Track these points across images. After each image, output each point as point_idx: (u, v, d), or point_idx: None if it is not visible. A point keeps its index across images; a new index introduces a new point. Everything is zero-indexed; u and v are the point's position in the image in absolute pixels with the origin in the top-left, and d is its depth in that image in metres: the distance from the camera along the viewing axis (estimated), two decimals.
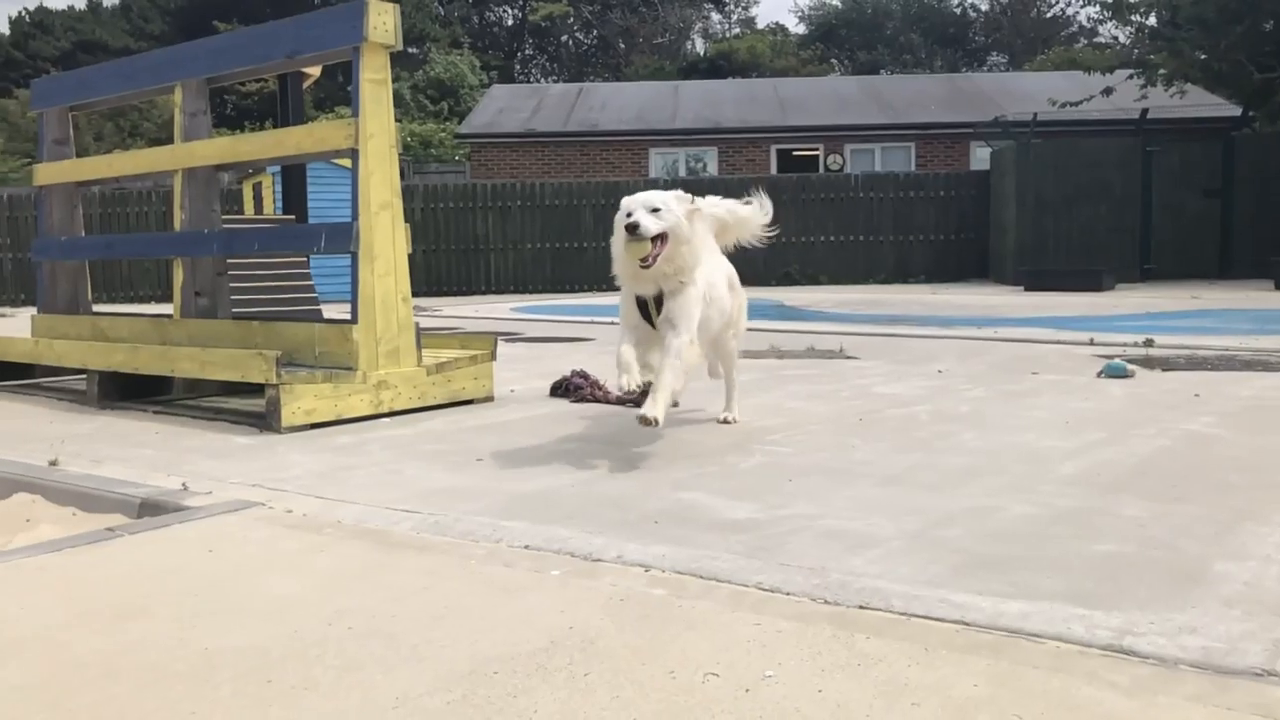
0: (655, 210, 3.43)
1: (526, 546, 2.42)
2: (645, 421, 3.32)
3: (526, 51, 49.37)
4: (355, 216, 4.47)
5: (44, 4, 48.29)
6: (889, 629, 1.85)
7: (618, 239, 3.49)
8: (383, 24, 4.52)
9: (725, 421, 4.15)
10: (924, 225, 18.48)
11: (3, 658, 1.81)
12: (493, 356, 5.00)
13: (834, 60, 47.13)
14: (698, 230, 3.58)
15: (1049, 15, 47.63)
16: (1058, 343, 7.21)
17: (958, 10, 48.38)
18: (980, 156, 20.05)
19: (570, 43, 48.86)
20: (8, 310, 15.96)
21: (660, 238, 3.41)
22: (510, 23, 49.04)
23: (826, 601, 2.00)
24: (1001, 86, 23.83)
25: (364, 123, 4.49)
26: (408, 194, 14.09)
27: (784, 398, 4.85)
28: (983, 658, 1.72)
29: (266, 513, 2.81)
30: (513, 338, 8.70)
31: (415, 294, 5.14)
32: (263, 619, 1.97)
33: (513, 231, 18.05)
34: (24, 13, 47.20)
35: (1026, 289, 14.72)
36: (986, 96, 22.37)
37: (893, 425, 4.05)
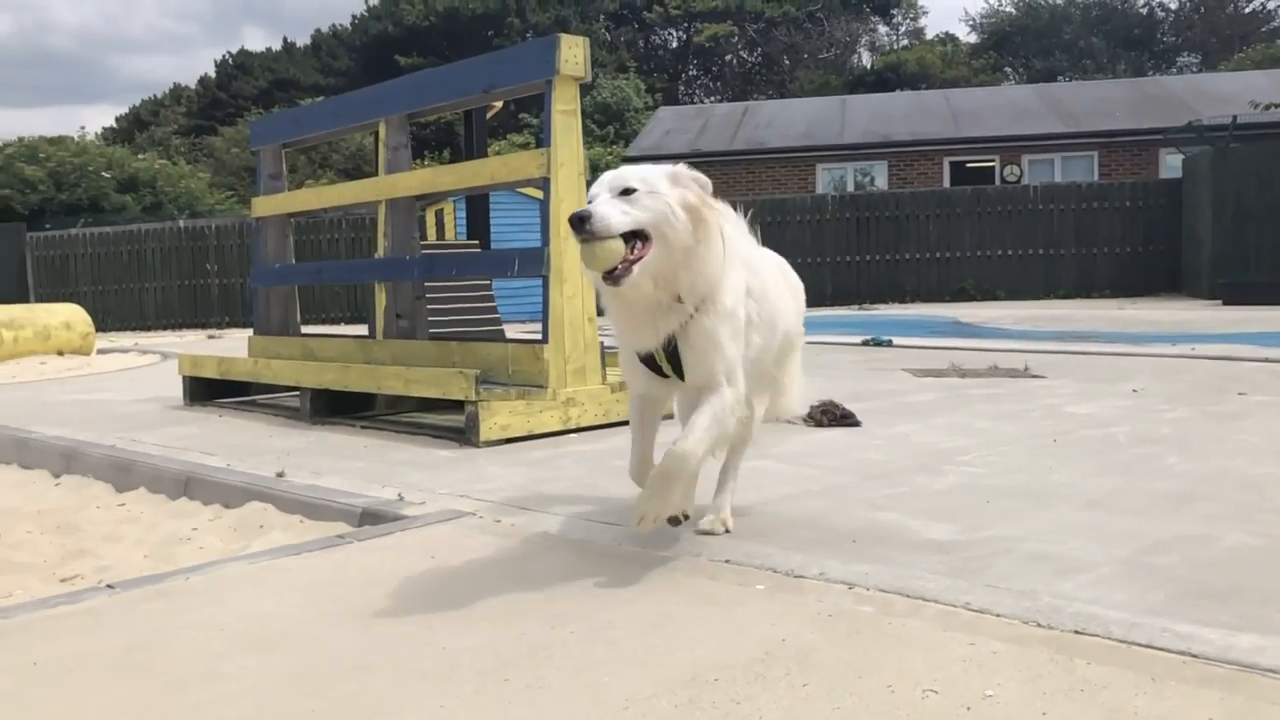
0: (627, 193, 2.28)
1: (727, 561, 2.49)
2: (674, 523, 2.62)
3: (690, 72, 49.89)
4: (546, 242, 4.68)
5: (245, 47, 52.22)
6: (1110, 656, 1.82)
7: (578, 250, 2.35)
8: (573, 57, 4.73)
9: (708, 532, 2.75)
10: (1109, 237, 17.63)
11: (269, 650, 2.02)
12: None
13: (1008, 69, 45.54)
14: (710, 222, 2.34)
15: (1247, 10, 44.56)
16: (1266, 360, 6.75)
17: (1143, 10, 45.91)
18: (1171, 164, 18.98)
19: (734, 61, 49.07)
20: (215, 332, 17.32)
21: (638, 236, 2.26)
22: (674, 45, 49.69)
23: (1040, 625, 1.98)
24: (1194, 88, 22.46)
25: (555, 152, 4.70)
26: None
27: (971, 417, 4.75)
28: (1215, 690, 1.67)
29: (478, 522, 2.99)
30: None
31: None
32: (490, 621, 2.11)
33: None
34: (227, 56, 51.22)
35: (1225, 303, 13.82)
36: (1177, 100, 21.14)
37: (1089, 447, 3.91)
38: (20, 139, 28.85)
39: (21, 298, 18.99)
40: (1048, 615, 2.02)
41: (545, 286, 4.68)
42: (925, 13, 62.42)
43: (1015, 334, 10.48)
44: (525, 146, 35.47)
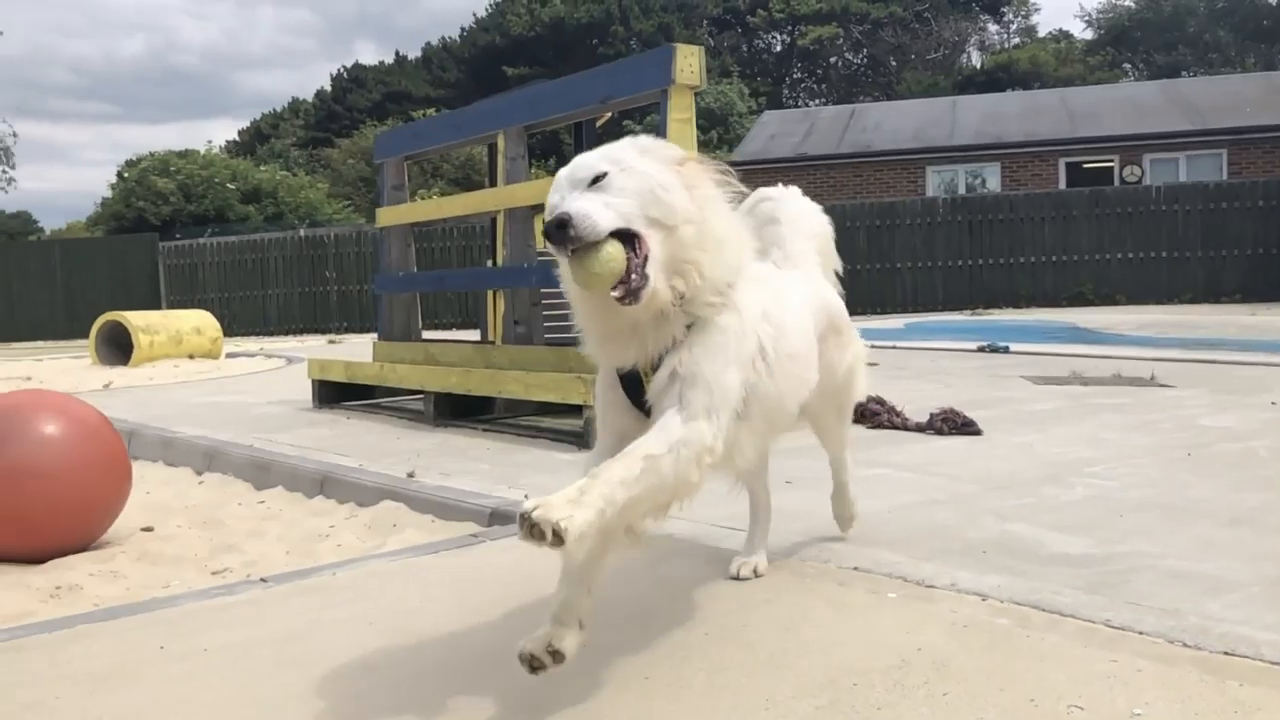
0: (597, 180, 1.77)
1: (856, 568, 2.49)
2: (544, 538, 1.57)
3: (795, 76, 49.58)
4: None
5: (359, 61, 53.98)
6: (1263, 678, 1.77)
7: (563, 267, 1.82)
8: (689, 66, 4.78)
9: (738, 577, 2.45)
10: (1239, 239, 16.87)
11: (418, 644, 2.12)
12: None
13: (1127, 65, 43.94)
14: (713, 201, 1.88)
15: None
16: None
17: (1273, 1, 43.72)
18: None
19: (839, 64, 48.55)
20: (334, 337, 17.94)
21: (629, 236, 1.75)
22: (778, 48, 49.44)
23: (1186, 644, 1.93)
24: None
25: None
26: None
27: (1097, 428, 4.62)
28: None
29: None
30: None
31: None
32: (626, 620, 2.17)
33: None
34: (342, 70, 53.05)
35: None
36: None
37: (1228, 461, 3.77)
38: (151, 153, 30.44)
39: (154, 304, 20.03)
40: (1194, 635, 1.97)
41: None
42: (1038, 9, 60.61)
43: (1138, 340, 10.12)
44: None
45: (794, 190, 2.75)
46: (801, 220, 2.63)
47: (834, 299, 2.54)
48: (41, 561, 3.23)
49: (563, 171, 1.83)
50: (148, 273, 21.31)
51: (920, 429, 4.66)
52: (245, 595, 2.51)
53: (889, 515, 3.07)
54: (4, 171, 24.56)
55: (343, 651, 2.07)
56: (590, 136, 9.98)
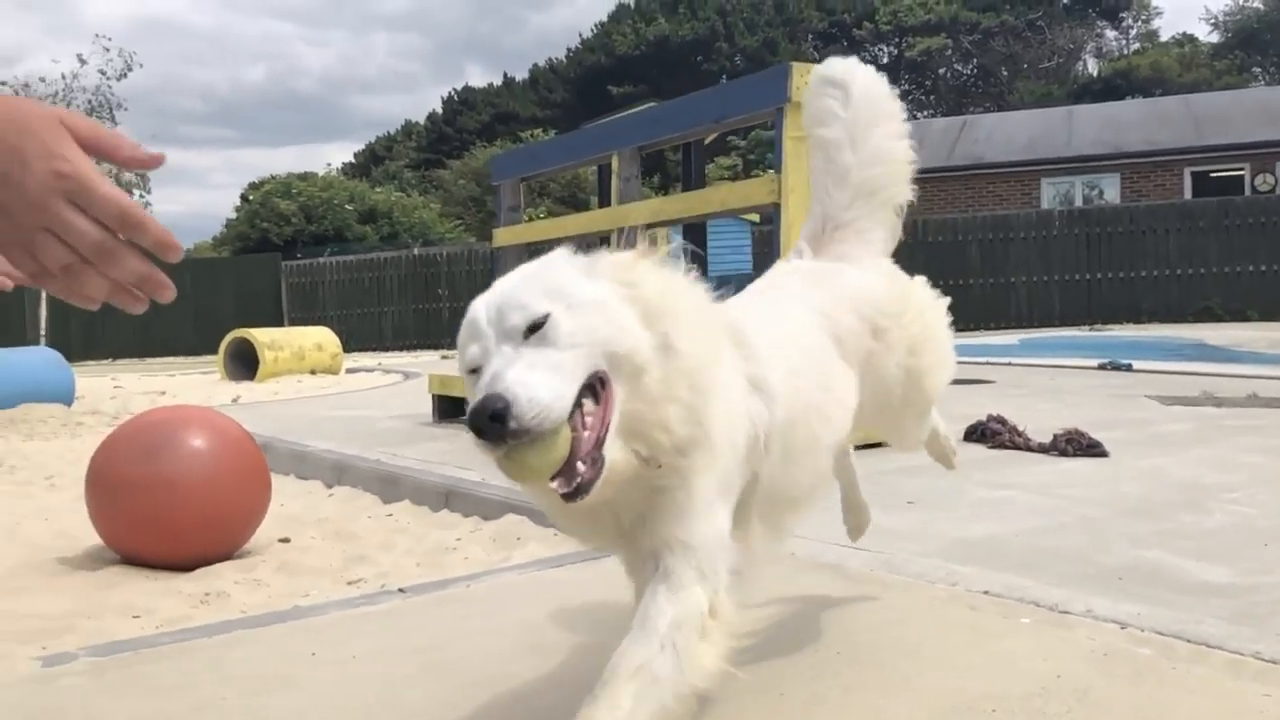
0: (537, 327, 1.32)
1: (985, 592, 2.46)
2: None
3: (902, 87, 48.79)
4: None
5: (468, 84, 55.39)
6: None
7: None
8: (804, 84, 4.77)
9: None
10: None
11: (552, 655, 2.18)
12: None
13: (1256, 69, 42.00)
14: (680, 319, 1.41)
15: None
16: None
17: None
18: None
19: (948, 75, 47.72)
20: (447, 352, 18.42)
21: (582, 405, 1.32)
22: (884, 60, 48.84)
23: None
24: None
25: (786, 178, 4.77)
26: None
27: (1233, 451, 4.44)
28: None
29: None
30: None
31: None
32: (754, 636, 2.19)
33: None
34: (453, 92, 54.53)
35: None
36: None
37: None
38: (273, 176, 31.77)
39: (277, 321, 20.88)
40: None
41: None
42: (1159, 13, 58.49)
43: (1275, 359, 9.65)
44: (733, 169, 35.76)
45: (865, 76, 2.06)
46: (861, 146, 2.03)
47: (870, 290, 1.94)
48: (190, 569, 3.42)
49: (481, 306, 1.37)
50: (271, 291, 22.25)
51: (1043, 450, 4.55)
52: (385, 605, 2.62)
53: (1016, 538, 3.01)
54: (142, 196, 26.06)
55: (480, 662, 2.15)
56: (699, 153, 10.07)
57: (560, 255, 1.45)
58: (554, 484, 1.28)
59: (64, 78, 21.78)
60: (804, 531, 3.17)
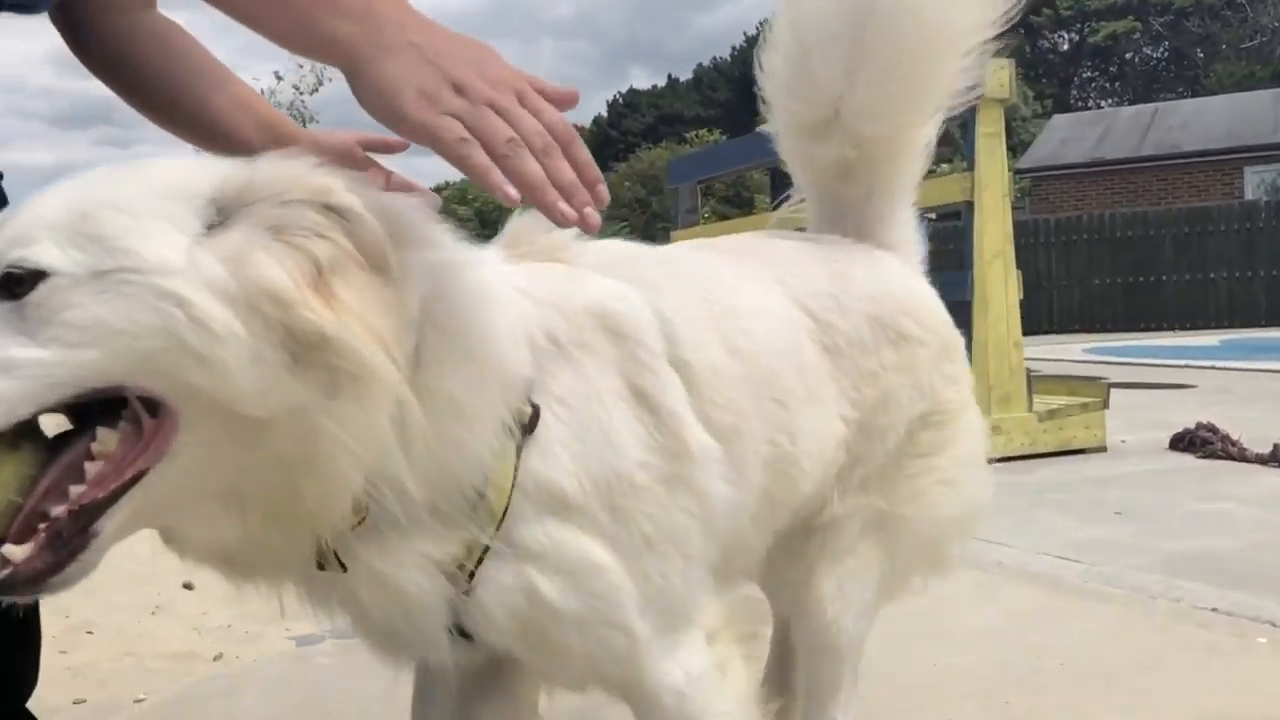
0: (15, 286, 0.76)
1: (1214, 609, 2.35)
2: None
3: (1085, 75, 46.54)
4: (969, 266, 4.64)
5: (633, 86, 56.20)
6: None
7: None
8: (999, 80, 4.66)
9: None
10: None
11: None
12: (1105, 404, 4.84)
13: None
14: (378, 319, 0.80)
15: None
16: None
17: None
18: None
19: (1135, 60, 45.10)
20: None
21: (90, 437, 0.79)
22: (1065, 48, 46.59)
23: None
24: None
25: (979, 175, 4.66)
26: None
27: None
28: None
29: None
30: (1095, 382, 8.26)
31: None
32: (970, 645, 2.17)
33: (1078, 267, 17.06)
34: (617, 95, 55.36)
35: None
36: None
37: None
38: (448, 182, 33.09)
39: None
40: None
41: (969, 311, 4.64)
42: None
43: None
44: None
45: None
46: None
47: (899, 292, 1.37)
48: None
49: None
50: None
51: (1261, 461, 4.27)
52: None
53: (1241, 554, 2.85)
54: None
55: None
56: None
57: (185, 165, 0.88)
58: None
59: (263, 93, 23.30)
60: (1000, 537, 3.11)
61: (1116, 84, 45.80)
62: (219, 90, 1.20)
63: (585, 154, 0.89)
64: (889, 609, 1.41)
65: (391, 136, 1.08)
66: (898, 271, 1.41)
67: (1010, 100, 4.74)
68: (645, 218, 34.43)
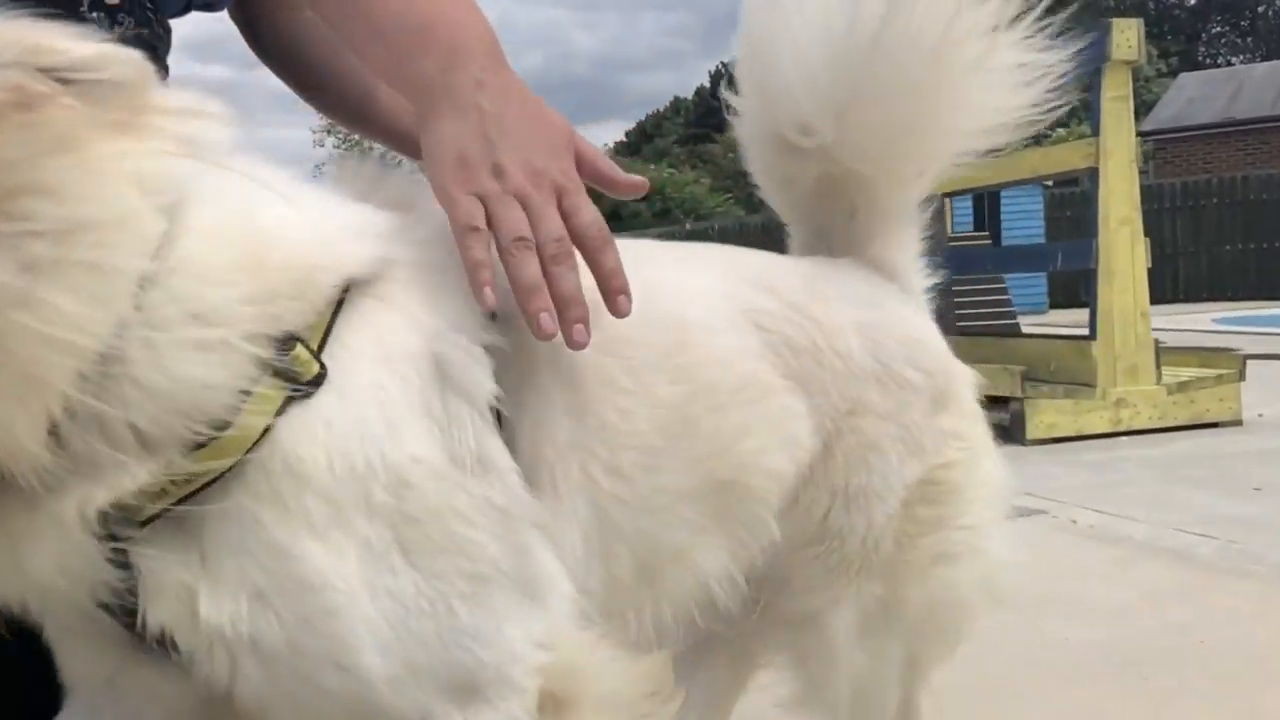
0: None
1: None
2: None
3: (1213, 30, 44.17)
4: (1095, 234, 4.51)
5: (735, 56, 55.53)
6: None
7: None
8: (1126, 41, 4.49)
9: None
10: None
11: None
12: (1241, 376, 4.65)
13: None
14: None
15: None
16: None
17: None
18: None
19: (1269, 13, 42.54)
20: None
21: None
22: (1191, 2, 44.28)
23: None
24: None
25: (1104, 140, 4.51)
26: None
27: None
28: None
29: (1052, 521, 3.00)
30: (1229, 353, 7.91)
31: None
32: (1105, 620, 2.14)
33: (1207, 233, 16.29)
34: (720, 66, 54.91)
35: None
36: None
37: None
38: None
39: None
40: None
41: (1093, 280, 4.52)
42: None
43: None
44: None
45: None
46: None
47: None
48: None
49: None
50: None
51: None
52: None
53: None
54: None
55: None
56: None
57: None
58: None
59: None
60: (1130, 511, 3.04)
61: (1248, 39, 43.29)
62: (377, 84, 1.24)
63: (614, 261, 0.84)
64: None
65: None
66: (889, 295, 1.15)
67: (1138, 62, 4.56)
68: (749, 189, 34.13)
